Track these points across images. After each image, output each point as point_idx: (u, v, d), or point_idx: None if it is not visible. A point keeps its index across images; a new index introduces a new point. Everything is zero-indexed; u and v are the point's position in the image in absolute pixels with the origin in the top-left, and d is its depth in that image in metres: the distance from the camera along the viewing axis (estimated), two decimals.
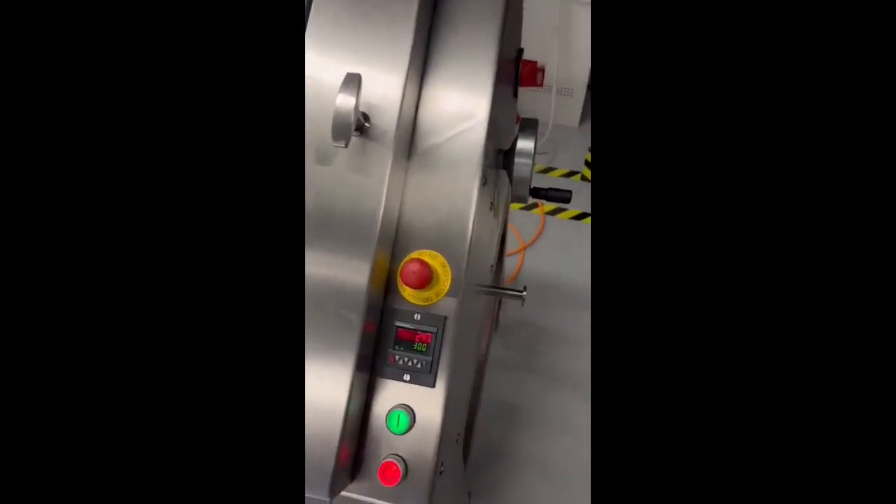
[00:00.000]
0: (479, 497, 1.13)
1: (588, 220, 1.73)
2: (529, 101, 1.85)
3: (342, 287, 0.51)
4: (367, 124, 0.53)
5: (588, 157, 1.87)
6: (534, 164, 0.68)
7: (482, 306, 0.78)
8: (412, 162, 0.57)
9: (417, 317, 0.54)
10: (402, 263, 0.54)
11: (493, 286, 0.86)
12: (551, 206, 1.74)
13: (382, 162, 0.53)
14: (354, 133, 0.51)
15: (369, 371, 0.54)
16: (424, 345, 0.53)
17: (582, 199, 1.69)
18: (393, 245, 0.56)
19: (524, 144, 0.65)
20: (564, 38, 1.74)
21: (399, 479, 0.50)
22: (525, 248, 1.62)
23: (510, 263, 1.57)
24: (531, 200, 0.75)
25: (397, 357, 0.54)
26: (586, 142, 1.91)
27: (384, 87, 0.54)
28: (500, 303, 1.32)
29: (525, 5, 0.76)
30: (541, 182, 0.85)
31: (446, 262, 0.54)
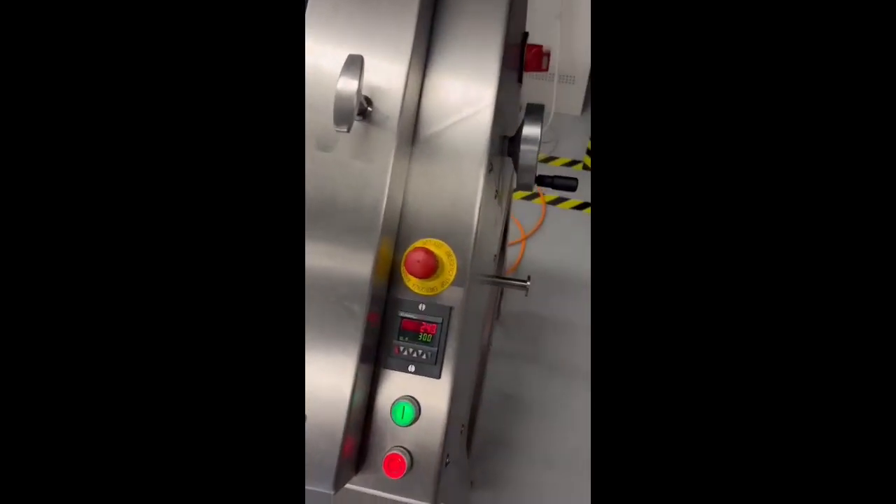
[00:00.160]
0: (480, 486, 1.14)
1: (589, 209, 1.72)
2: (530, 88, 1.83)
3: (345, 277, 0.50)
4: (369, 108, 0.51)
5: (590, 145, 1.85)
6: (539, 151, 0.67)
7: (486, 296, 0.77)
8: (416, 148, 0.55)
9: (422, 307, 0.53)
10: (406, 252, 0.53)
11: (496, 276, 0.85)
12: (553, 195, 1.73)
13: (386, 148, 0.51)
14: (357, 118, 0.50)
15: (373, 362, 0.53)
16: (429, 335, 0.52)
17: (583, 188, 1.67)
18: (397, 234, 0.54)
19: (530, 131, 0.63)
20: (567, 24, 1.71)
21: (404, 472, 0.49)
22: (526, 238, 1.61)
23: (511, 254, 1.56)
24: (536, 189, 0.74)
25: (402, 348, 0.53)
26: (588, 130, 1.89)
27: (387, 70, 0.52)
28: (501, 293, 1.31)
29: None
30: (542, 172, 0.84)
31: (451, 252, 0.53)
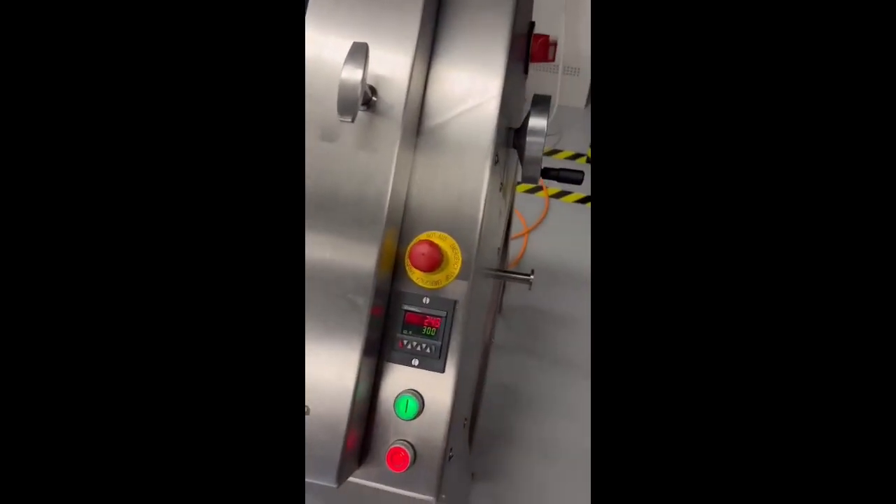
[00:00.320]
0: (481, 478, 1.14)
1: None
2: (534, 80, 1.81)
3: (348, 270, 0.49)
4: (374, 98, 0.50)
5: None
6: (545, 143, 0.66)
7: (489, 290, 0.77)
8: (421, 139, 0.54)
9: (426, 300, 0.53)
10: (410, 245, 0.52)
11: (499, 269, 0.84)
12: (556, 188, 1.71)
13: (390, 138, 0.50)
14: (361, 107, 0.49)
15: (377, 355, 0.52)
16: (433, 329, 0.52)
17: (588, 182, 1.66)
18: (401, 226, 0.54)
19: (536, 122, 0.62)
20: (573, 15, 1.68)
21: (407, 465, 0.49)
22: (529, 232, 1.60)
23: (514, 247, 1.55)
24: (539, 181, 0.73)
25: (406, 342, 0.52)
26: None
27: (392, 59, 0.51)
28: (504, 286, 1.31)
29: None
30: (547, 164, 0.83)
31: (456, 245, 0.52)
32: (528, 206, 1.66)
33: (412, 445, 0.51)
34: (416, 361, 0.52)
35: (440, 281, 0.52)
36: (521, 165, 0.65)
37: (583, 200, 1.70)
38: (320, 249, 0.50)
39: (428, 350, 0.52)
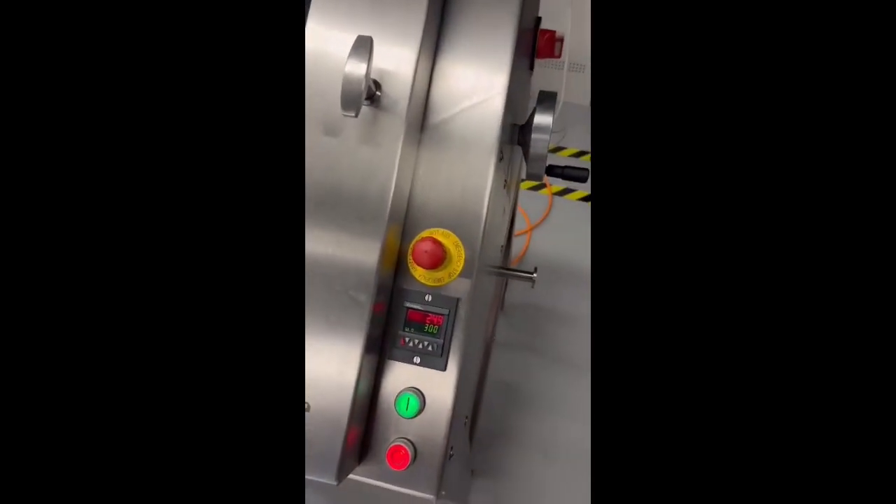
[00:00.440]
0: (481, 475, 1.14)
1: None
2: (539, 76, 1.80)
3: (351, 266, 0.49)
4: (378, 93, 0.50)
5: None
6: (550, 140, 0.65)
7: (492, 287, 0.76)
8: (425, 135, 0.54)
9: (428, 298, 0.52)
10: (413, 242, 0.52)
11: (502, 267, 0.84)
12: (559, 186, 1.71)
13: (394, 133, 0.50)
14: (365, 102, 0.48)
15: (378, 352, 0.52)
16: (436, 327, 0.52)
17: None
18: (404, 222, 0.53)
19: (542, 119, 0.61)
20: (579, 10, 1.67)
21: (408, 464, 0.49)
22: (532, 229, 1.60)
23: (516, 244, 1.54)
24: (544, 179, 0.72)
25: (407, 339, 0.52)
26: None
27: (396, 54, 0.50)
28: (506, 284, 1.30)
29: None
30: (552, 162, 0.82)
31: (459, 242, 0.52)
32: (531, 203, 1.65)
33: (413, 444, 0.50)
34: (417, 359, 0.52)
35: (443, 278, 0.52)
36: (526, 162, 0.64)
37: (587, 198, 1.69)
38: (323, 245, 0.49)
39: (430, 348, 0.51)
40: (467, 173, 0.53)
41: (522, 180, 1.23)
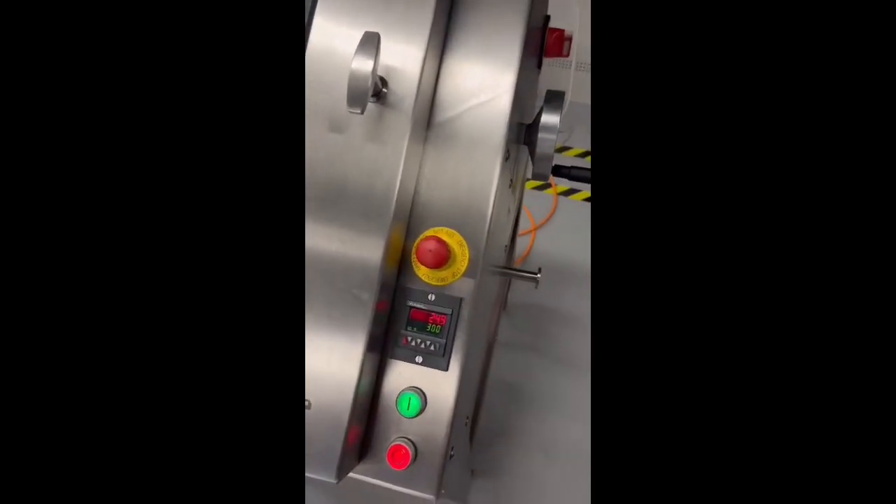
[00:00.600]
0: (481, 474, 1.14)
1: None
2: (545, 75, 1.78)
3: (355, 264, 0.49)
4: (384, 90, 0.49)
5: None
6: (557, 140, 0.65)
7: (495, 287, 0.76)
8: (431, 133, 0.53)
9: (432, 297, 0.52)
10: (417, 241, 0.52)
11: (506, 267, 0.83)
12: (564, 186, 1.70)
13: (400, 131, 0.49)
14: (371, 99, 0.48)
15: (380, 351, 0.52)
16: (438, 326, 0.51)
17: None
18: (408, 220, 0.53)
19: (549, 119, 0.61)
20: (587, 9, 1.66)
21: (408, 463, 0.49)
22: (536, 229, 1.59)
23: (520, 244, 1.54)
24: (550, 178, 0.71)
25: (410, 338, 0.52)
26: None
27: (403, 51, 0.50)
28: (509, 283, 1.30)
29: None
30: (558, 162, 0.81)
31: (464, 241, 0.52)
32: (535, 202, 1.64)
33: (413, 443, 0.50)
34: (419, 359, 0.51)
35: (446, 278, 0.52)
36: (532, 162, 0.63)
37: (591, 199, 1.68)
38: (327, 241, 0.49)
39: (432, 347, 0.51)
40: (473, 172, 0.52)
41: (528, 180, 1.22)
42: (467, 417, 0.64)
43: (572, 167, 0.74)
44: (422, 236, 0.52)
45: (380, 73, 0.49)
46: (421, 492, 0.50)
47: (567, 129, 1.82)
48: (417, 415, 0.50)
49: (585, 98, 1.88)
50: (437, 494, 0.50)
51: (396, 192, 0.49)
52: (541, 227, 1.60)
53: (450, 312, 0.51)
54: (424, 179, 0.53)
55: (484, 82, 0.53)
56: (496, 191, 0.52)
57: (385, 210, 0.49)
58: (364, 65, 0.45)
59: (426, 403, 0.51)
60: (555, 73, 1.78)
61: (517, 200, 0.93)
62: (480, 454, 1.15)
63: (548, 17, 0.77)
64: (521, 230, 1.53)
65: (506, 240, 0.77)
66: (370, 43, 0.45)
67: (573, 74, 1.75)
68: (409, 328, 0.52)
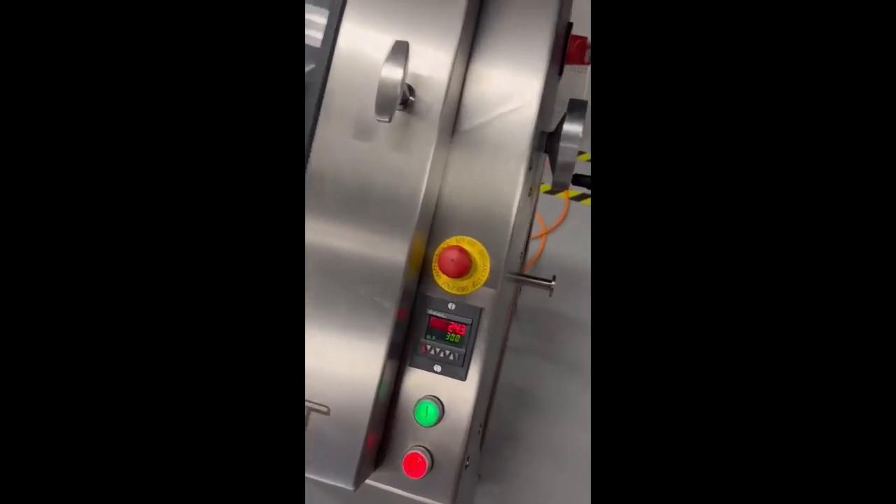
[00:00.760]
0: (487, 479, 1.14)
1: None
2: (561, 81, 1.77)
3: (377, 270, 0.48)
4: (411, 98, 0.49)
5: None
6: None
7: (510, 294, 0.75)
8: (456, 139, 0.53)
9: (451, 306, 0.52)
10: (439, 249, 0.51)
11: (521, 274, 0.83)
12: (576, 191, 1.69)
13: (426, 140, 0.49)
14: (398, 107, 0.48)
15: (399, 358, 0.52)
16: (458, 336, 0.51)
17: None
18: (430, 227, 0.53)
19: (571, 128, 0.60)
20: None
21: (424, 472, 0.49)
22: (547, 234, 1.58)
23: (530, 248, 1.53)
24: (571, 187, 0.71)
25: (429, 347, 0.51)
26: None
27: (432, 57, 0.49)
28: (519, 288, 1.30)
29: None
30: (577, 170, 0.81)
31: (485, 251, 0.51)
32: (547, 207, 1.63)
33: (430, 452, 0.50)
34: (438, 367, 0.51)
35: (467, 287, 0.51)
36: (553, 171, 0.63)
37: None
38: (350, 245, 0.49)
39: (451, 357, 0.51)
40: (497, 180, 0.52)
41: (553, 189, 1.21)
42: (480, 425, 0.64)
43: (588, 175, 0.73)
44: (444, 245, 0.52)
45: (407, 80, 0.49)
46: (437, 501, 0.50)
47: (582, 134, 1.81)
48: (435, 424, 0.50)
49: None
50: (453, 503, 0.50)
51: (421, 200, 0.49)
52: (552, 231, 1.59)
53: (470, 322, 0.51)
54: (448, 186, 0.53)
55: (511, 90, 0.53)
56: (519, 200, 0.52)
57: (409, 217, 0.49)
58: (393, 73, 0.44)
59: (444, 413, 0.50)
60: (572, 79, 1.77)
61: (533, 206, 0.92)
62: (487, 458, 1.15)
63: (570, 25, 0.77)
64: (532, 234, 1.52)
65: (521, 246, 0.77)
66: (400, 52, 0.45)
67: (588, 80, 1.74)
68: (429, 336, 0.52)
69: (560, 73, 0.77)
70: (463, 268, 0.49)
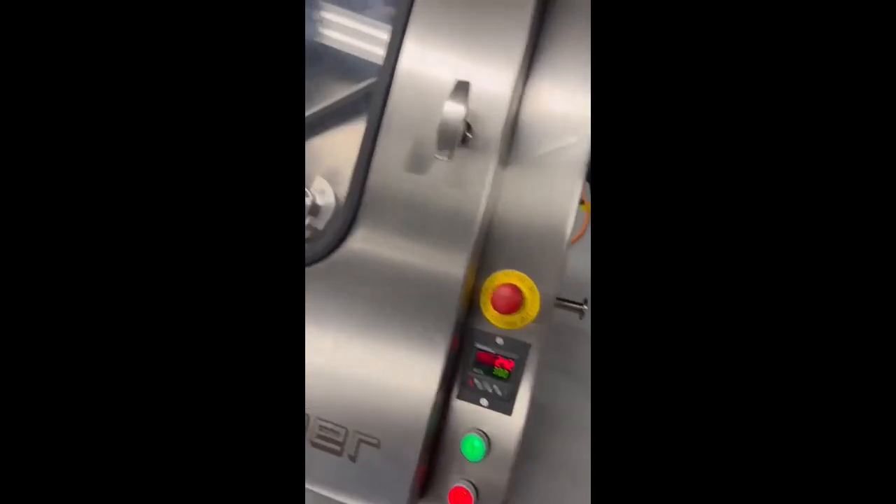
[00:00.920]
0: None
1: None
2: None
3: (431, 303, 0.49)
4: (468, 135, 0.49)
5: None
6: None
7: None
8: (509, 169, 0.53)
9: (500, 341, 0.52)
10: (491, 284, 0.51)
11: (556, 297, 0.83)
12: None
13: (482, 176, 0.49)
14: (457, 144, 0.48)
15: (447, 390, 0.52)
16: (506, 371, 0.51)
17: None
18: (480, 257, 0.53)
19: None
20: None
21: None
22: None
23: None
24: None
25: (476, 380, 0.52)
26: None
27: (492, 92, 0.49)
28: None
29: None
30: None
31: (535, 287, 0.51)
32: None
33: (475, 486, 0.50)
34: (484, 402, 0.51)
35: (516, 322, 0.51)
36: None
37: None
38: (406, 271, 0.49)
39: (498, 392, 0.51)
40: (549, 213, 0.52)
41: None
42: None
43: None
44: (495, 279, 0.52)
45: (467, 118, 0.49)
46: None
47: None
48: (482, 459, 0.50)
49: None
50: None
51: (476, 235, 0.49)
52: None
53: (517, 358, 0.51)
54: (498, 217, 0.53)
55: (566, 122, 0.52)
56: (570, 234, 0.51)
57: (463, 251, 0.49)
58: (456, 111, 0.44)
59: (490, 447, 0.51)
60: None
61: None
62: None
63: None
64: None
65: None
66: (462, 91, 0.45)
67: None
68: (476, 370, 0.52)
69: None
70: (514, 305, 0.49)
